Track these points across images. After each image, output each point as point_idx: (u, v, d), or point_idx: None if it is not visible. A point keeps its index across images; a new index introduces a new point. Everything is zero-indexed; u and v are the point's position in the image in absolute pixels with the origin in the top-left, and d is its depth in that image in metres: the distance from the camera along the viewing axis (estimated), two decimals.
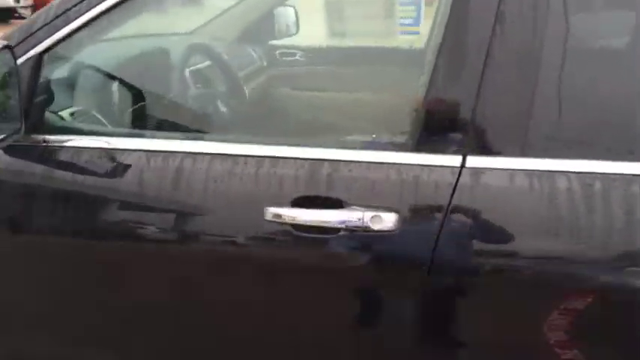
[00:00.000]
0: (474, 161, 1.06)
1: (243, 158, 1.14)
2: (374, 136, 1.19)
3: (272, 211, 1.09)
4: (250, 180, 1.12)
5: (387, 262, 1.09)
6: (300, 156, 1.12)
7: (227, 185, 1.13)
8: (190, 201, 1.15)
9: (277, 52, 2.88)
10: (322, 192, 1.09)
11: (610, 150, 1.03)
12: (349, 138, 1.22)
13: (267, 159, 1.13)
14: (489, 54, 1.05)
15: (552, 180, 1.03)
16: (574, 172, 1.02)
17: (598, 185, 1.01)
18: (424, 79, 1.12)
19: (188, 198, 1.15)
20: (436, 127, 1.09)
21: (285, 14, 2.87)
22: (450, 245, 1.05)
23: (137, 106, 1.48)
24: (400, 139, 1.15)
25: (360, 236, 1.07)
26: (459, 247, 1.06)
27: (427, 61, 1.18)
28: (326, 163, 1.11)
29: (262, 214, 1.10)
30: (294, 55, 2.84)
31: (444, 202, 1.05)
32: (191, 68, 2.02)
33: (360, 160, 1.10)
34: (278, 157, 1.13)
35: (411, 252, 1.07)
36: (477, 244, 1.05)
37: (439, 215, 1.05)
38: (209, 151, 1.16)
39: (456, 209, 1.05)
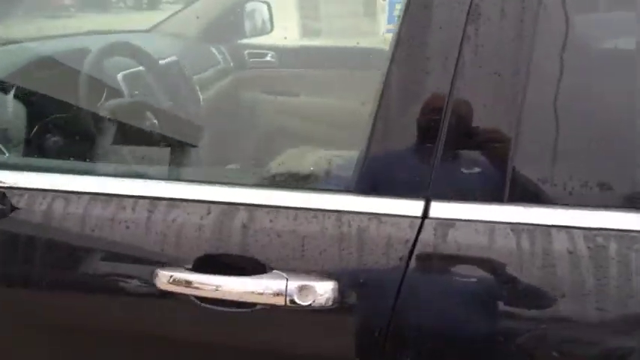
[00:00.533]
0: (440, 209, 0.77)
1: (132, 200, 0.84)
2: (312, 168, 0.89)
3: (166, 274, 0.80)
4: (139, 231, 0.83)
5: (320, 349, 0.80)
6: (208, 198, 0.83)
7: (107, 237, 0.83)
8: (57, 258, 0.86)
9: (246, 52, 2.59)
10: (235, 250, 0.80)
11: (631, 196, 0.74)
12: (273, 171, 0.92)
13: (163, 201, 0.84)
14: (460, 61, 0.75)
15: (548, 238, 0.73)
16: (579, 228, 0.73)
17: (613, 246, 0.72)
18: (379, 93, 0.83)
19: (53, 253, 0.86)
20: (389, 159, 0.80)
21: (259, 10, 2.58)
22: (407, 330, 0.76)
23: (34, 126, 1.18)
24: (342, 174, 0.86)
25: (284, 313, 0.78)
26: (418, 333, 0.76)
27: None
28: (242, 208, 0.81)
29: (153, 278, 0.81)
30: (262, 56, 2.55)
31: (399, 266, 0.75)
32: (126, 72, 1.72)
33: (287, 204, 0.81)
34: (178, 200, 0.83)
35: (352, 338, 0.78)
36: (444, 330, 0.75)
37: (392, 286, 0.75)
38: (89, 190, 0.86)
39: (416, 277, 0.75)
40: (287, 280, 0.76)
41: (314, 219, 0.79)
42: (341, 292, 0.76)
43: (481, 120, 0.77)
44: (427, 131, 0.78)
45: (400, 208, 0.78)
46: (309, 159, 1.06)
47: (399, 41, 0.78)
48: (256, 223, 0.80)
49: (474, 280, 0.74)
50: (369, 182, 0.80)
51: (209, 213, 0.81)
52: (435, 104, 0.77)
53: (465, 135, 0.77)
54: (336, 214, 0.79)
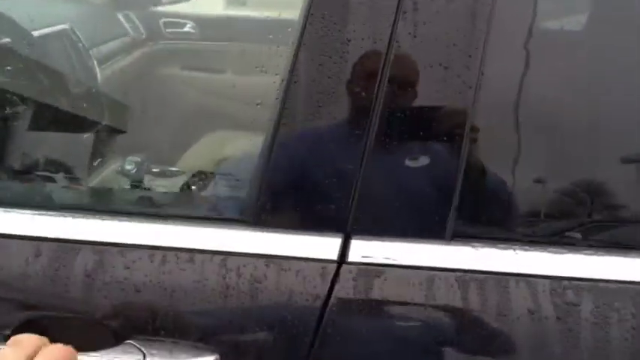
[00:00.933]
0: (363, 250, 0.56)
1: None
2: (193, 187, 0.66)
3: None
4: None
5: None
6: (37, 232, 0.58)
7: None
8: None
9: (162, 20, 2.27)
10: (74, 311, 0.56)
11: (616, 238, 0.56)
12: (137, 192, 0.68)
13: None
14: (393, 46, 0.54)
15: (503, 289, 0.54)
16: (544, 277, 0.55)
17: (587, 305, 0.54)
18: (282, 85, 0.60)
19: None
20: (294, 179, 0.58)
21: None
22: None
23: None
24: (234, 195, 0.64)
25: None
26: None
27: None
28: (86, 248, 0.57)
29: None
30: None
31: (306, 333, 0.54)
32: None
33: (152, 242, 0.57)
34: None
35: None
36: None
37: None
38: None
39: (328, 349, 0.54)
40: (144, 355, 0.53)
41: (188, 264, 0.56)
42: None
43: (421, 127, 0.56)
44: (347, 142, 0.56)
45: (309, 248, 0.56)
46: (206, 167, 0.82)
47: (308, 18, 0.55)
48: (106, 270, 0.56)
49: (406, 353, 0.54)
50: (268, 210, 0.58)
51: (38, 255, 0.57)
52: (358, 102, 0.56)
53: (399, 147, 0.57)
54: (220, 256, 0.56)
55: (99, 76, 1.73)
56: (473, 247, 0.56)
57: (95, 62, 1.73)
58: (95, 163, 1.06)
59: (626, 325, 0.52)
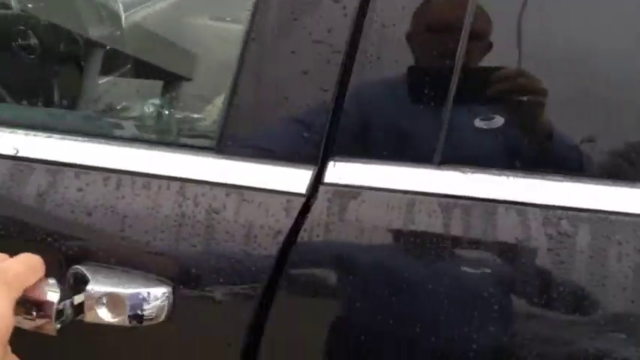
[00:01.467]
0: (342, 172, 0.51)
1: None
2: (150, 109, 0.61)
3: None
4: None
5: None
6: None
7: None
8: None
9: None
10: (21, 235, 0.52)
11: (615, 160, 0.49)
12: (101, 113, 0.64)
13: None
14: None
15: (491, 218, 0.48)
16: (535, 205, 0.49)
17: (584, 234, 0.47)
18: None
19: None
20: (264, 98, 0.53)
21: None
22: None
23: None
24: (201, 125, 0.59)
25: (94, 333, 0.50)
26: None
27: None
28: (40, 167, 0.53)
29: None
30: None
31: (268, 264, 0.49)
32: None
33: (106, 164, 0.53)
34: None
35: None
36: None
37: (256, 288, 0.49)
38: None
39: (293, 281, 0.49)
40: (88, 280, 0.49)
41: (143, 190, 0.51)
42: (175, 301, 0.49)
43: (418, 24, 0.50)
44: (323, 49, 0.51)
45: (283, 170, 0.51)
46: None
47: None
48: (58, 191, 0.52)
49: (377, 282, 0.49)
50: (235, 136, 0.53)
51: None
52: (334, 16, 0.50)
53: (386, 64, 0.51)
54: (178, 183, 0.51)
55: (124, 21, 1.63)
56: (461, 172, 0.50)
57: (121, 7, 1.63)
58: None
59: (625, 261, 0.46)
